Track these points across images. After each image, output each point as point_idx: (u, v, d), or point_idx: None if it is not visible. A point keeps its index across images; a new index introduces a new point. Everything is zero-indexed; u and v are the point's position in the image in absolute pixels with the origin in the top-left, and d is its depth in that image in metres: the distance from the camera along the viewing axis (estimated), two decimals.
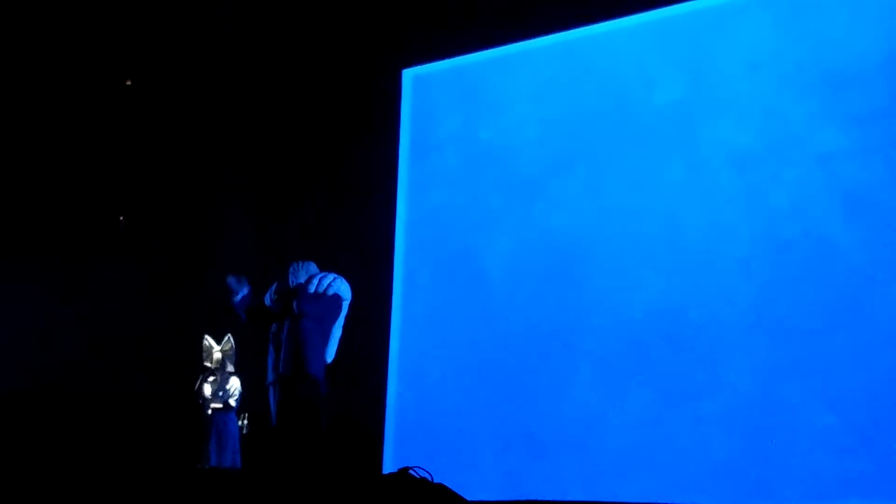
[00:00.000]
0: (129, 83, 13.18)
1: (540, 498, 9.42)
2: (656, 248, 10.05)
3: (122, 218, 13.34)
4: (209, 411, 10.91)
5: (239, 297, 8.95)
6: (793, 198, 9.42)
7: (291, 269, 9.03)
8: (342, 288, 8.94)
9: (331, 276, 8.96)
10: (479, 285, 11.06)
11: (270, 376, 8.94)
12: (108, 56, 13.08)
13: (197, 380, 11.15)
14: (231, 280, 9.00)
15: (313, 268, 9.02)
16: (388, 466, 11.02)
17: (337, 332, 8.96)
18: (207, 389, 11.02)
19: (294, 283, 8.92)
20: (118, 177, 13.34)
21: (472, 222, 11.23)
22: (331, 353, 9.00)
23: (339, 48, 12.20)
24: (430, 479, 3.75)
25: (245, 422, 11.10)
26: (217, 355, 11.13)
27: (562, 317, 10.45)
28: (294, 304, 8.78)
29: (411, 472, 3.69)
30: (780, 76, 9.67)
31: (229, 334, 11.15)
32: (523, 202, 10.94)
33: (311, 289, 8.92)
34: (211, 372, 11.11)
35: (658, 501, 9.08)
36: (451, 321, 11.16)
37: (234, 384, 11.04)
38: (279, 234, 12.29)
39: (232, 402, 10.95)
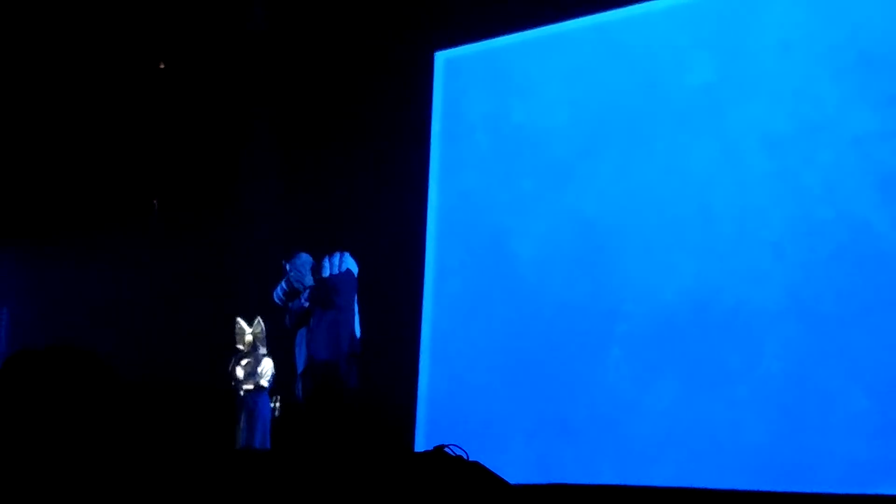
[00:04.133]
0: (162, 66, 13.21)
1: (571, 481, 9.42)
2: (688, 231, 10.02)
3: (155, 202, 13.39)
4: (241, 392, 10.97)
5: (296, 304, 9.17)
6: (826, 180, 9.36)
7: (292, 265, 9.18)
8: (350, 261, 9.16)
9: (337, 255, 9.14)
10: (510, 268, 11.06)
11: (302, 365, 9.06)
12: (142, 40, 13.13)
13: (230, 361, 11.21)
14: (294, 276, 9.18)
15: (307, 257, 9.22)
16: (420, 447, 11.04)
17: (355, 305, 9.16)
18: (240, 371, 11.07)
19: (304, 277, 9.09)
20: (152, 159, 13.39)
21: (504, 205, 11.23)
22: (357, 328, 9.18)
23: (372, 31, 12.19)
24: (465, 457, 3.76)
25: (277, 403, 11.15)
26: (249, 337, 11.19)
27: (593, 300, 10.44)
28: (323, 294, 8.92)
29: (446, 450, 3.70)
30: (813, 57, 9.60)
31: (259, 317, 11.19)
32: (554, 185, 10.92)
33: (326, 272, 9.10)
34: (243, 354, 11.17)
35: (690, 486, 9.06)
36: (483, 303, 11.17)
37: (267, 366, 11.09)
38: (311, 217, 12.31)
39: (264, 382, 11.00)
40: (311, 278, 9.25)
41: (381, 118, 12.09)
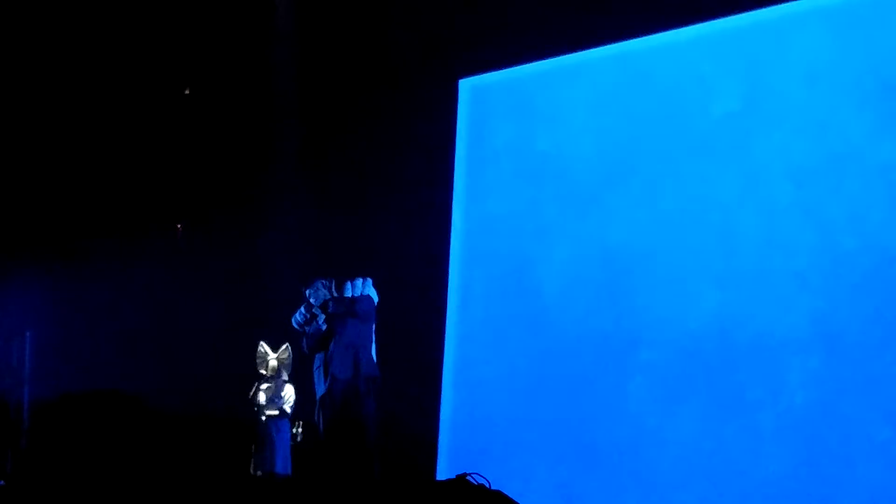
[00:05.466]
0: (187, 92, 13.30)
1: None
2: (712, 259, 10.00)
3: (179, 226, 13.45)
4: (263, 418, 10.98)
5: (313, 328, 9.27)
6: (851, 210, 9.34)
7: (311, 292, 9.32)
8: (371, 289, 9.30)
9: (359, 280, 9.28)
10: (533, 295, 11.06)
11: (321, 389, 9.11)
12: (168, 66, 13.23)
13: (252, 387, 11.22)
14: (312, 300, 9.32)
15: (326, 282, 9.36)
16: (442, 474, 11.04)
17: (373, 333, 9.25)
18: (262, 396, 11.09)
19: (324, 296, 9.20)
20: (176, 183, 13.45)
21: (528, 232, 11.23)
22: (374, 356, 9.26)
23: (397, 58, 12.24)
24: (487, 486, 3.77)
25: (299, 429, 11.15)
26: (273, 363, 11.20)
27: (616, 327, 10.42)
28: (342, 310, 9.01)
29: (469, 478, 3.71)
30: (838, 87, 9.59)
31: (287, 343, 11.21)
32: (579, 213, 10.92)
33: (348, 293, 9.24)
34: (266, 379, 11.19)
35: None
36: (506, 330, 11.17)
37: (289, 391, 11.10)
38: (334, 243, 12.34)
39: (287, 408, 11.02)
40: (330, 296, 9.35)
41: (405, 145, 12.11)
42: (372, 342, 9.30)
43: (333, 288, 9.42)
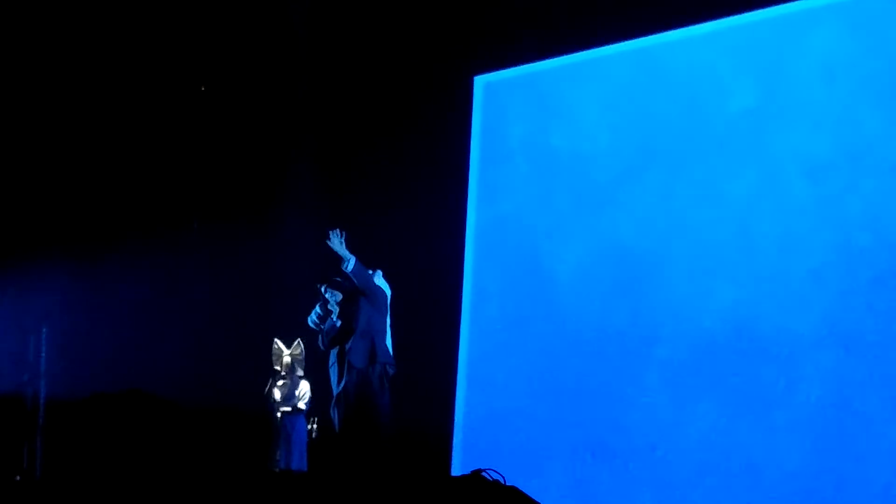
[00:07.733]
0: (203, 89, 13.32)
1: None
2: (728, 256, 9.98)
3: (195, 222, 13.47)
4: (279, 414, 11.01)
5: (328, 325, 9.35)
6: (867, 207, 9.30)
7: (325, 287, 9.38)
8: (382, 280, 9.37)
9: (369, 271, 9.36)
10: (548, 292, 11.05)
11: (336, 385, 9.14)
12: (185, 63, 13.25)
13: (267, 383, 11.24)
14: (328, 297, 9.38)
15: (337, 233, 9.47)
16: (456, 470, 11.04)
17: (387, 328, 9.28)
18: (277, 393, 11.11)
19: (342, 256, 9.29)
20: (192, 181, 13.47)
21: (542, 230, 11.22)
22: (390, 347, 9.27)
23: (412, 55, 12.24)
24: (502, 481, 3.77)
25: (314, 425, 11.17)
26: (287, 359, 11.22)
27: (632, 325, 10.41)
28: (357, 288, 9.09)
29: (484, 474, 3.71)
30: (856, 84, 9.54)
31: (299, 339, 11.23)
32: (594, 210, 10.91)
33: None
34: (281, 375, 11.20)
35: None
36: (520, 328, 11.17)
37: (304, 388, 11.12)
38: (349, 240, 12.33)
39: (301, 405, 11.03)
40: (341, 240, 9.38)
41: (420, 141, 12.11)
42: (386, 331, 9.34)
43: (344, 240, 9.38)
